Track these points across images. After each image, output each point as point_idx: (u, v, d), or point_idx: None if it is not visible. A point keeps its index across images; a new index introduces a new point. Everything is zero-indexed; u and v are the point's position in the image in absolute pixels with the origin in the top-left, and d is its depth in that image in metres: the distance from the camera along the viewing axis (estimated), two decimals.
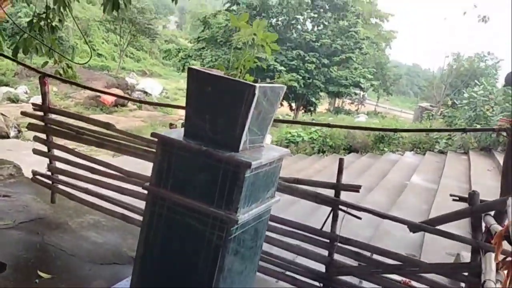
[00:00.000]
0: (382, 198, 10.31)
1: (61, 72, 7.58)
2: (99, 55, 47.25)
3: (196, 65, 34.98)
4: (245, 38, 2.15)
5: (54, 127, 4.41)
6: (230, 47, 30.79)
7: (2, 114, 25.51)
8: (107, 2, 7.70)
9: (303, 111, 31.59)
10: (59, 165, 4.65)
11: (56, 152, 4.60)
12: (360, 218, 3.44)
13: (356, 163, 15.04)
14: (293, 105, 32.61)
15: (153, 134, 2.02)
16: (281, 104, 34.16)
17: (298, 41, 31.22)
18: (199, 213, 1.95)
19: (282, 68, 29.16)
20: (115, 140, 4.11)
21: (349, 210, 3.47)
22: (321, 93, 32.02)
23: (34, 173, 4.72)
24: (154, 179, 2.07)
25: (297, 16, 32.61)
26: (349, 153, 17.15)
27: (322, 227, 3.71)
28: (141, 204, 3.23)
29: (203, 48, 32.48)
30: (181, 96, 39.00)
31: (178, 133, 2.05)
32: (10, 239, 3.74)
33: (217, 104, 1.97)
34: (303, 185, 3.76)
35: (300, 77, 29.14)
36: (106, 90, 31.45)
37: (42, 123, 4.44)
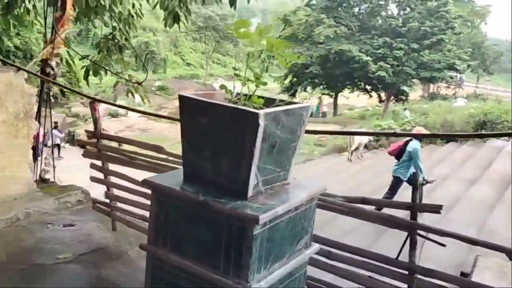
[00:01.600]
0: (487, 192, 9.19)
1: (132, 90, 7.60)
2: (188, 64, 48.97)
3: (278, 64, 34.71)
4: (251, 47, 1.70)
5: (108, 153, 4.27)
6: (311, 42, 30.12)
7: (103, 129, 27.21)
8: (168, 17, 7.61)
9: (393, 101, 29.98)
10: (116, 192, 4.51)
11: (113, 179, 4.47)
12: (444, 245, 2.82)
13: (456, 152, 13.76)
14: (383, 95, 31.11)
15: (144, 182, 1.64)
16: (370, 95, 32.87)
17: (383, 28, 29.69)
18: (203, 280, 1.54)
19: (368, 58, 27.87)
20: (167, 164, 3.85)
21: (430, 235, 2.88)
22: (413, 80, 30.16)
23: (94, 200, 4.64)
24: (151, 237, 1.69)
25: (381, 2, 31.04)
26: (447, 142, 15.80)
27: (398, 255, 3.13)
28: None
29: None
30: (269, 96, 38.97)
31: (175, 177, 1.65)
32: (67, 274, 3.61)
33: (216, 138, 1.54)
34: (371, 206, 3.21)
35: (388, 66, 27.65)
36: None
37: (96, 150, 4.33)
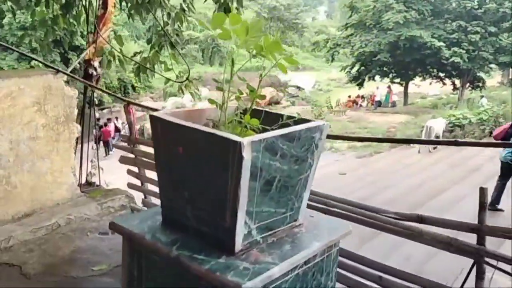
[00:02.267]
0: None
1: (183, 88, 7.43)
2: (254, 56, 48.82)
3: (346, 53, 33.68)
4: (234, 47, 1.33)
5: (143, 159, 4.06)
6: (380, 29, 28.84)
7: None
8: (219, 9, 7.35)
9: (469, 88, 28.09)
10: (154, 200, 4.29)
11: (150, 186, 4.25)
12: None
13: None
14: (457, 83, 29.26)
15: (111, 225, 1.32)
16: (443, 83, 30.96)
17: (457, 11, 27.80)
18: None
19: (441, 43, 26.24)
20: None
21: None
22: (490, 66, 28.09)
23: (132, 208, 4.46)
24: None
25: None
26: None
27: (463, 285, 2.63)
28: None
29: (351, 34, 31.07)
30: (334, 86, 38.07)
31: (154, 218, 1.32)
32: None
33: (195, 173, 1.20)
34: (429, 225, 2.71)
35: (463, 51, 25.87)
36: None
37: (132, 156, 4.13)
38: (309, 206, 2.84)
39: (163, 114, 1.21)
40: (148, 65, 7.45)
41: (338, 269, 2.71)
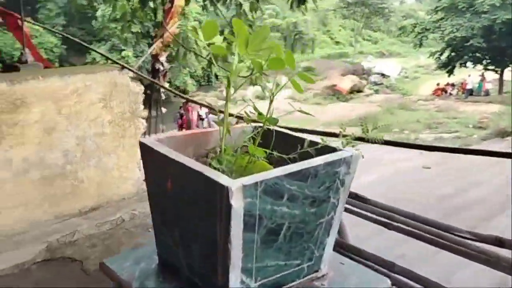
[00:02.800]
0: None
1: (253, 78, 7.30)
2: (337, 43, 47.96)
3: (435, 38, 31.65)
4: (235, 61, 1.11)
5: None
6: (473, 12, 26.80)
7: (250, 112, 28.07)
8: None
9: None
10: None
11: None
12: None
13: None
14: None
15: (100, 266, 1.19)
16: None
17: None
18: None
19: None
20: None
21: None
22: None
23: None
24: None
25: None
26: None
27: None
28: None
29: (441, 18, 29.19)
30: (422, 73, 36.09)
31: (151, 259, 1.17)
32: None
33: (185, 215, 1.02)
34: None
35: None
36: (340, 79, 31.42)
37: None
38: (369, 219, 2.59)
39: (152, 141, 1.05)
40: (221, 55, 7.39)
41: None
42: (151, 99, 5.02)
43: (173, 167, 0.97)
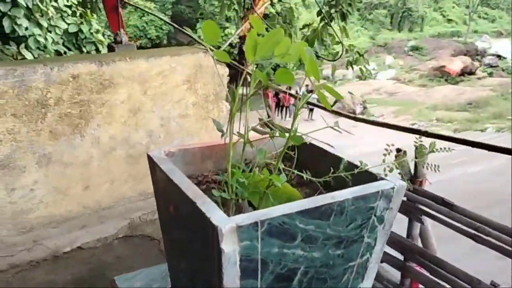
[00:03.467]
0: None
1: (351, 61, 6.98)
2: (449, 20, 44.79)
3: None
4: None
5: None
6: None
7: (349, 92, 27.36)
8: None
9: None
10: None
11: None
12: None
13: None
14: None
15: (111, 284, 1.10)
16: None
17: None
18: None
19: None
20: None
21: None
22: None
23: None
24: None
25: None
26: None
27: None
28: None
29: None
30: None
31: (165, 280, 1.06)
32: None
33: (188, 246, 0.89)
34: None
35: None
36: (450, 60, 29.28)
37: None
38: (454, 228, 2.30)
39: (159, 155, 0.93)
40: (316, 38, 7.17)
41: None
42: (237, 81, 4.98)
43: (173, 190, 0.85)
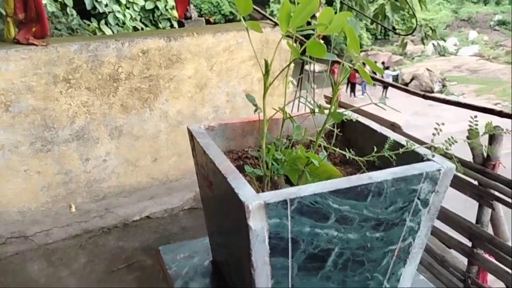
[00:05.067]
0: None
1: (424, 36, 6.66)
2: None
3: None
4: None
5: None
6: None
7: (427, 69, 26.05)
8: None
9: None
10: None
11: None
12: None
13: None
14: None
15: (156, 253, 1.10)
16: None
17: None
18: None
19: None
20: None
21: None
22: None
23: None
24: None
25: None
26: None
27: None
28: None
29: None
30: None
31: (208, 251, 1.05)
32: None
33: (221, 219, 0.86)
34: None
35: None
36: None
37: None
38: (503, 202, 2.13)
39: (198, 129, 0.91)
40: (384, 12, 6.86)
41: None
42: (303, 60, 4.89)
43: (209, 164, 0.84)
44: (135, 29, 7.29)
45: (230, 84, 3.96)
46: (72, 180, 3.44)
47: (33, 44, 3.11)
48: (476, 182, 2.39)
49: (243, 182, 0.76)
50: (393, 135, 0.90)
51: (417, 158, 0.83)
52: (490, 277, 2.55)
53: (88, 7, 6.48)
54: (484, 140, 2.03)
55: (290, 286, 0.79)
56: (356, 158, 0.85)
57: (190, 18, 4.72)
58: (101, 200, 3.58)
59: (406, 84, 22.85)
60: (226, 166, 0.78)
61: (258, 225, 0.70)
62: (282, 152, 0.87)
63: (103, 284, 2.79)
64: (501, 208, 2.43)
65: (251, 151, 0.91)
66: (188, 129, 0.98)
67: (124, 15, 6.93)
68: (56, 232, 3.19)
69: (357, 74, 20.40)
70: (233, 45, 3.88)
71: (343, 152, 0.89)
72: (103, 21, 6.79)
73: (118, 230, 3.31)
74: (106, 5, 6.68)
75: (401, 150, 0.88)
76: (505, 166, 2.36)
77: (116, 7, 6.79)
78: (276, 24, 4.10)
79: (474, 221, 2.42)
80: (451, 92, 23.97)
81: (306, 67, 4.91)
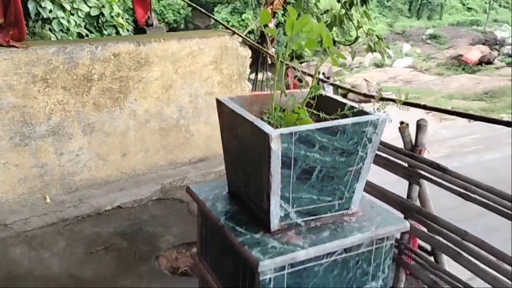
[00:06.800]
0: None
1: (371, 44, 7.28)
2: (469, 9, 44.16)
3: None
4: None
5: None
6: None
7: (365, 80, 27.41)
8: None
9: None
10: None
11: None
12: None
13: None
14: None
15: (187, 189, 1.52)
16: None
17: None
18: None
19: None
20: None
21: None
22: None
23: None
24: (198, 247, 1.58)
25: None
26: None
27: None
28: None
29: None
30: None
31: (224, 187, 1.47)
32: None
33: (243, 155, 1.30)
34: None
35: None
36: (468, 49, 29.15)
37: None
38: (447, 189, 2.67)
39: (225, 99, 1.34)
40: (337, 23, 7.48)
41: (473, 259, 2.53)
42: (258, 63, 5.35)
43: (237, 119, 1.26)
44: (79, 35, 7.31)
45: (193, 86, 4.34)
46: (47, 173, 3.68)
47: (13, 46, 3.36)
48: (406, 164, 2.92)
49: (264, 123, 1.18)
50: (349, 103, 1.36)
51: (365, 113, 1.29)
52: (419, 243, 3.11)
53: (32, 12, 6.43)
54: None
55: (291, 189, 1.22)
56: (327, 116, 1.29)
57: (152, 25, 5.05)
58: (74, 192, 3.84)
59: (345, 95, 23.95)
60: (251, 116, 1.20)
61: (276, 147, 1.12)
62: (281, 114, 1.30)
63: (84, 264, 3.08)
64: (426, 185, 2.98)
65: (265, 110, 1.34)
66: (217, 99, 1.38)
67: (69, 21, 6.94)
68: (34, 221, 3.43)
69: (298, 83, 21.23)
70: (196, 51, 4.26)
71: (319, 113, 1.33)
72: (47, 27, 6.79)
73: (92, 218, 3.58)
74: (50, 11, 6.69)
75: (355, 110, 1.33)
76: (429, 152, 2.90)
77: (60, 13, 6.79)
78: (234, 33, 4.54)
79: (405, 197, 2.94)
80: (387, 102, 25.30)
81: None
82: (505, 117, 17.80)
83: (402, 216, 2.91)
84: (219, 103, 1.36)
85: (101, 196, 3.87)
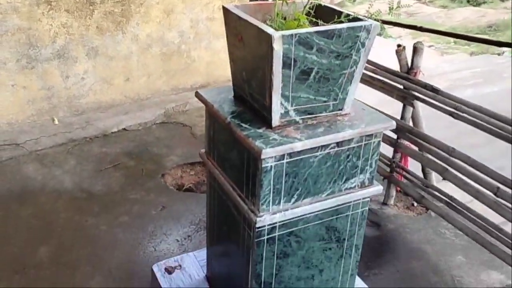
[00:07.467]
0: None
1: None
2: None
3: None
4: None
5: None
6: None
7: (367, 11, 26.79)
8: None
9: None
10: None
11: None
12: None
13: None
14: None
15: (196, 94, 1.64)
16: None
17: None
18: (233, 199, 1.54)
19: None
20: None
21: None
22: None
23: None
24: (206, 146, 1.74)
25: None
26: None
27: None
28: None
29: None
30: None
31: (230, 92, 1.60)
32: None
33: (249, 59, 1.41)
34: None
35: None
36: None
37: None
38: (439, 109, 2.80)
39: (231, 6, 1.44)
40: None
41: (459, 174, 2.72)
42: None
43: (242, 24, 1.37)
44: None
45: (194, 11, 4.35)
46: (54, 95, 3.80)
47: None
48: (401, 87, 3.03)
49: (267, 26, 1.29)
50: (345, 11, 1.46)
51: (359, 20, 1.39)
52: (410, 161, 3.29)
53: None
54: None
55: (290, 88, 1.35)
56: (325, 23, 1.40)
57: None
58: (81, 114, 3.98)
59: None
60: (257, 21, 1.31)
61: (278, 47, 1.24)
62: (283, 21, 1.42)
63: (94, 179, 3.27)
64: (420, 107, 3.11)
65: (268, 17, 1.45)
66: (223, 6, 1.48)
67: None
68: (44, 141, 3.59)
69: None
70: None
71: (317, 21, 1.44)
72: None
73: (99, 139, 3.75)
74: None
75: (350, 17, 1.44)
76: (424, 74, 3.01)
77: None
78: None
79: (399, 118, 3.08)
80: (389, 34, 24.96)
81: None
82: (506, 51, 17.63)
83: (395, 136, 3.07)
84: (225, 10, 1.46)
85: (106, 118, 4.01)
